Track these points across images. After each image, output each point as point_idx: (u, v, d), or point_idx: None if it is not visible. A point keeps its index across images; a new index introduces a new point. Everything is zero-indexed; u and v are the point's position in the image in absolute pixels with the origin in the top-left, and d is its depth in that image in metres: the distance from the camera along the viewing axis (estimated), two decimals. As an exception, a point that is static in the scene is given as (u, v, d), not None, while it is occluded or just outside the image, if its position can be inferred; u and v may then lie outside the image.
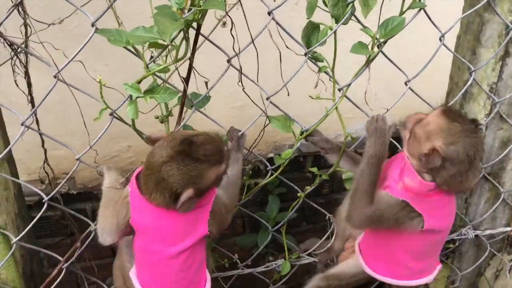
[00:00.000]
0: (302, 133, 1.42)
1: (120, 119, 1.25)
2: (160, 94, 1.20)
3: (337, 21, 1.23)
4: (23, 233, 1.35)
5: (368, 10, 1.16)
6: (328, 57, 1.31)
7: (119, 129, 1.32)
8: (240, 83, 1.29)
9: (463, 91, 1.50)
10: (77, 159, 1.26)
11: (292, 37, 1.25)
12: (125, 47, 1.15)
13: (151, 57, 1.26)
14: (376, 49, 1.26)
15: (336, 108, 1.36)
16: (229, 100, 2.15)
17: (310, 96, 1.36)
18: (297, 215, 2.37)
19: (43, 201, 1.29)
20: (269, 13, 1.18)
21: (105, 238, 1.25)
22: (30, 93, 1.44)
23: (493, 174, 1.67)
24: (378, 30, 1.23)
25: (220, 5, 1.06)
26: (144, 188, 1.17)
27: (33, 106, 1.45)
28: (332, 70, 1.31)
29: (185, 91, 1.24)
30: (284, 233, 1.68)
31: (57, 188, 1.36)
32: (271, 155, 2.67)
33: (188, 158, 1.13)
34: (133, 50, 1.17)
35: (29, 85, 1.42)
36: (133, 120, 1.25)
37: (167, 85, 1.23)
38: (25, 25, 1.30)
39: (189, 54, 1.17)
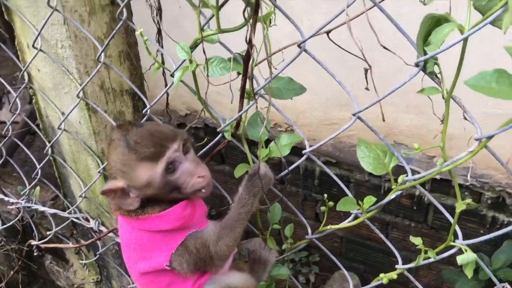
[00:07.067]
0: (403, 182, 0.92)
1: (186, 85, 1.09)
2: (212, 66, 0.97)
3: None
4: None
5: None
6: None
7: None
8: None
9: None
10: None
11: (399, 28, 0.78)
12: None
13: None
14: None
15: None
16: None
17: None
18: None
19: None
20: (357, -13, 0.76)
21: None
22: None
23: None
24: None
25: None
26: None
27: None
28: (448, 97, 0.78)
29: (244, 73, 0.95)
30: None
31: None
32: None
33: (124, 140, 0.97)
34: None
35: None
36: (197, 87, 1.06)
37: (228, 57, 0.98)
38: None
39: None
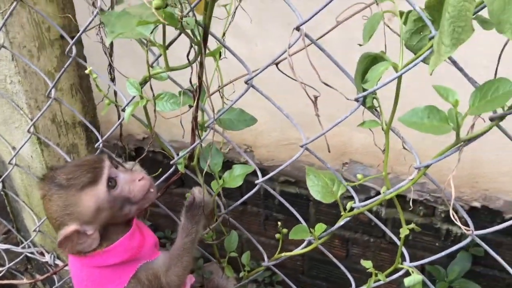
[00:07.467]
0: (351, 208, 0.96)
1: (138, 119, 1.10)
2: (162, 101, 0.99)
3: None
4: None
5: (438, 61, 0.63)
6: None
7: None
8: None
9: None
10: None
11: (338, 66, 0.82)
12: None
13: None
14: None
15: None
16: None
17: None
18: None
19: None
20: (297, 28, 0.79)
21: None
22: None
23: None
24: (471, 96, 0.68)
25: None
26: None
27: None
28: (387, 130, 0.82)
29: (196, 108, 0.97)
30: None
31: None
32: (475, 204, 2.12)
33: (54, 185, 0.95)
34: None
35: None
36: (149, 122, 1.07)
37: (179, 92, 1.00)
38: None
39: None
